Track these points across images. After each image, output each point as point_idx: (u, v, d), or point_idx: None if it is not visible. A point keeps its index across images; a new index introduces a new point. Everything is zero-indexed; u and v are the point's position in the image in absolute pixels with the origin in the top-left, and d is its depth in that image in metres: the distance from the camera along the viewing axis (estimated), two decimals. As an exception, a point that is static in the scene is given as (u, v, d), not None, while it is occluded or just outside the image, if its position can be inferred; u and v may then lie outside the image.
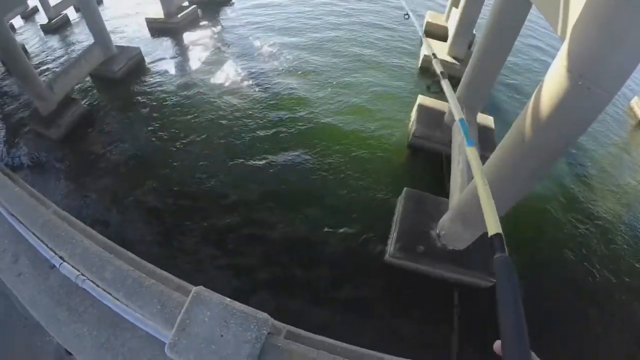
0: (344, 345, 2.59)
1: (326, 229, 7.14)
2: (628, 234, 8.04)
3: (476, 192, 4.95)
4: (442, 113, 9.13)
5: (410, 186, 7.12)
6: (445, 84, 4.68)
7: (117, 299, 2.43)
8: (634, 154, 10.83)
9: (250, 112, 10.23)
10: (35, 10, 17.09)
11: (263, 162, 8.62)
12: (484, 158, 6.17)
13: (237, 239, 6.99)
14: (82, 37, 14.65)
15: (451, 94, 4.47)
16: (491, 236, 1.42)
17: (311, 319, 5.87)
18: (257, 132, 9.52)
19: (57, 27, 15.84)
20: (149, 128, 9.70)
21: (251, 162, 8.58)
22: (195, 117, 10.04)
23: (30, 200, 3.41)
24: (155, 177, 8.27)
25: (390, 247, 6.26)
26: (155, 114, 10.24)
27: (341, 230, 7.14)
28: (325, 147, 9.07)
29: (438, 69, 5.03)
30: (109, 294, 2.54)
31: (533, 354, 0.82)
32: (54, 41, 14.92)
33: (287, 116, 10.07)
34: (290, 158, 8.72)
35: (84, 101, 10.68)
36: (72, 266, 2.82)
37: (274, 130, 9.55)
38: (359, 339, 3.11)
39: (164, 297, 2.25)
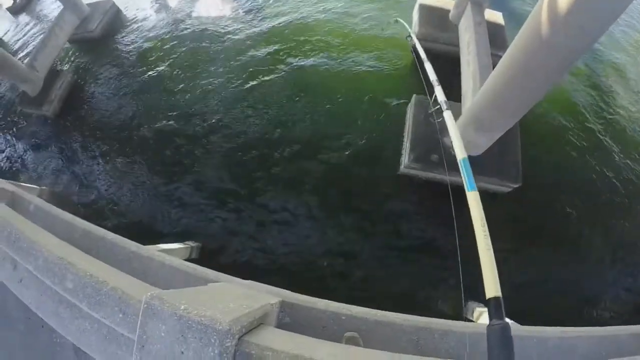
0: (349, 310, 2.23)
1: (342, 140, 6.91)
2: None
3: (490, 95, 4.30)
4: (446, 11, 8.12)
5: (419, 93, 6.51)
6: (448, 116, 3.73)
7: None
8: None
9: (240, 35, 9.57)
10: (-4, -6, 15.96)
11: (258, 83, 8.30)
12: (496, 57, 5.34)
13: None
14: (52, 6, 13.73)
15: (455, 129, 3.58)
16: (489, 299, 1.21)
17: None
18: (251, 52, 8.93)
19: (24, 4, 14.88)
20: (140, 77, 9.27)
21: (247, 86, 8.25)
22: (185, 54, 9.49)
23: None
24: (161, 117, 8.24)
25: (404, 157, 6.10)
26: (143, 61, 9.75)
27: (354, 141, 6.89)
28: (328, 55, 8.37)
29: (440, 97, 4.09)
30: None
31: None
32: (25, 20, 14.16)
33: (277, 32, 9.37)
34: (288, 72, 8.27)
35: (70, 70, 10.16)
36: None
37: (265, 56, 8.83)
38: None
39: (123, 304, 1.92)
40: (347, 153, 6.67)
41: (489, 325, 1.06)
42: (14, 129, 9.55)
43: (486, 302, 1.31)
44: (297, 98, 7.65)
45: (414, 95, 6.47)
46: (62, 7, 10.89)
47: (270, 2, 10.30)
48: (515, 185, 5.78)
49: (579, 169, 6.67)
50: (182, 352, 1.56)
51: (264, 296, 2.06)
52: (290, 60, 8.43)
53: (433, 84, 4.50)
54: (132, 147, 7.91)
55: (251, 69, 8.45)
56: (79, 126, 8.80)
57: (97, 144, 8.29)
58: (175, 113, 8.06)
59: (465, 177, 2.64)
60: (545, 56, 3.73)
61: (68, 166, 8.20)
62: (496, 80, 4.60)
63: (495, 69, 4.63)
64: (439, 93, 4.24)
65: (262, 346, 1.59)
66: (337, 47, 8.46)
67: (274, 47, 8.82)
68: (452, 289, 5.51)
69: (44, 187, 7.75)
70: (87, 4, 11.27)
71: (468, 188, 2.52)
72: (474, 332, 2.35)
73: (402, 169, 6.17)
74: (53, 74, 9.49)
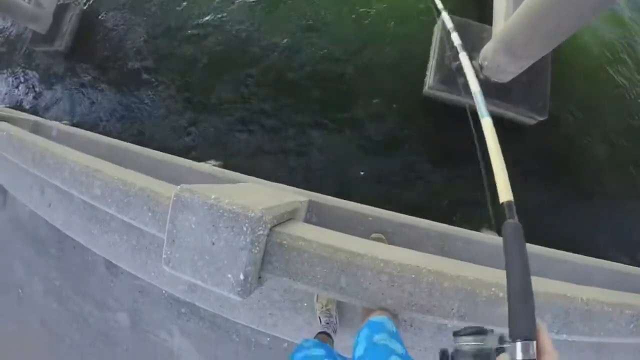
0: (375, 211, 2.22)
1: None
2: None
3: (524, 20, 4.04)
4: None
5: (450, 11, 6.01)
6: (463, 58, 3.61)
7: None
8: None
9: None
10: None
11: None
12: None
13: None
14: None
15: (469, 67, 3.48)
16: (502, 203, 1.35)
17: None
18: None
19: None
20: (153, 6, 8.67)
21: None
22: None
23: (17, 135, 3.18)
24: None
25: (429, 79, 5.73)
26: None
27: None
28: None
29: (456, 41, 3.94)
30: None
31: (538, 321, 0.85)
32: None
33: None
34: None
35: (78, 2, 9.71)
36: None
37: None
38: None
39: (152, 203, 1.92)
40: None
41: (503, 224, 1.14)
42: (28, 69, 9.47)
43: (501, 205, 1.38)
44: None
45: (443, 13, 5.97)
46: None
47: None
48: (541, 118, 5.48)
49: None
50: (213, 243, 1.56)
51: (293, 195, 2.05)
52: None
53: (450, 30, 4.46)
54: (147, 71, 7.70)
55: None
56: (94, 57, 8.55)
57: (112, 72, 8.09)
58: (189, 32, 7.66)
59: (480, 105, 2.73)
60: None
61: (85, 99, 8.17)
62: (531, 4, 4.25)
63: (532, -10, 4.26)
64: (455, 38, 4.20)
65: (293, 236, 1.58)
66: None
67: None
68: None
69: (65, 122, 7.79)
70: None
71: (482, 115, 2.61)
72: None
73: (427, 89, 5.85)
74: (61, 9, 9.11)
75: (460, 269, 1.57)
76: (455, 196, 5.56)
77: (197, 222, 1.58)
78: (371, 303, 1.52)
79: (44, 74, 9.16)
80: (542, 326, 0.85)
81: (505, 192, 1.46)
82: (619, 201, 5.70)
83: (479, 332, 0.87)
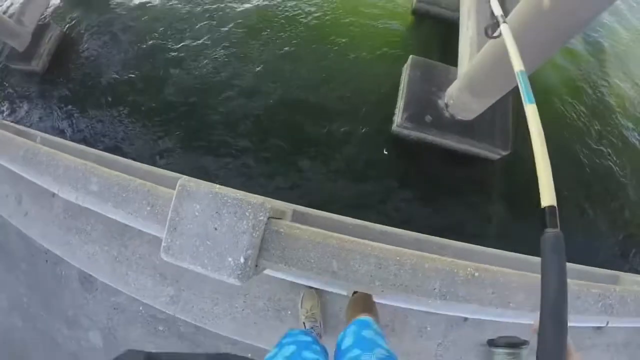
0: (356, 221, 2.40)
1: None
2: None
3: (486, 62, 4.38)
4: (448, -27, 8.09)
5: (417, 54, 6.63)
6: (505, 29, 3.79)
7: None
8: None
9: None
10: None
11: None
12: (496, 25, 5.67)
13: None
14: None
15: (512, 42, 3.64)
16: (544, 207, 1.18)
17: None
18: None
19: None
20: (132, 28, 9.00)
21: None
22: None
23: (6, 134, 3.17)
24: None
25: (398, 117, 6.16)
26: (135, 14, 9.41)
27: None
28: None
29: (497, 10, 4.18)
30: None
31: (571, 346, 0.80)
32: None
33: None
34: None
35: (58, 23, 9.80)
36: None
37: None
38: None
39: (151, 197, 2.01)
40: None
41: (545, 232, 1.06)
42: (2, 86, 9.32)
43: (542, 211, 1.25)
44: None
45: (411, 56, 6.51)
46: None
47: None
48: (504, 153, 5.93)
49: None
50: (216, 229, 1.67)
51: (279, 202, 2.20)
52: None
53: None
54: (122, 95, 7.89)
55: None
56: (70, 80, 8.57)
57: (88, 97, 8.14)
58: (168, 56, 7.99)
59: (524, 89, 2.54)
60: (543, 28, 3.65)
61: (58, 120, 8.10)
62: (493, 48, 4.71)
63: (493, 36, 4.75)
64: (495, 6, 4.33)
65: (290, 225, 1.73)
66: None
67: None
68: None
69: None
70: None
71: (526, 101, 2.45)
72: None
73: (395, 127, 6.26)
74: (41, 28, 9.16)
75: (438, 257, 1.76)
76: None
77: (201, 210, 1.69)
78: (361, 285, 1.66)
79: (16, 92, 9.03)
80: (573, 352, 0.80)
81: (548, 195, 1.30)
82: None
83: (513, 344, 0.89)
